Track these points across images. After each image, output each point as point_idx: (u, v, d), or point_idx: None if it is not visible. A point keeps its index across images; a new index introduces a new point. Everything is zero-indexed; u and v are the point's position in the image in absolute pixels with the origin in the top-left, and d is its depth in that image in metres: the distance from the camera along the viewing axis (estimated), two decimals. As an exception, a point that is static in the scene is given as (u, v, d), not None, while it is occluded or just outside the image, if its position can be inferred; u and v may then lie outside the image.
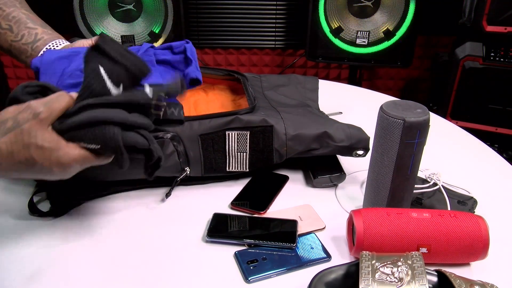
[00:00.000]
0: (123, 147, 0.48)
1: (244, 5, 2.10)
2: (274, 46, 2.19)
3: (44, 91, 0.51)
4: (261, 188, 0.72)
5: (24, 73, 2.23)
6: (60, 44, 0.68)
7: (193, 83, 0.66)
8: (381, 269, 0.48)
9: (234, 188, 0.72)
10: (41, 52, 0.66)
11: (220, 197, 0.70)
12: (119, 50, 0.50)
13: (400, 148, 0.56)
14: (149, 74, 0.52)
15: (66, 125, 0.47)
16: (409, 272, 0.47)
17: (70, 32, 1.74)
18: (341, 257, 0.59)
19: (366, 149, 0.73)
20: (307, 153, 0.72)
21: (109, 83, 0.49)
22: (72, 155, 0.47)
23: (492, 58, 1.64)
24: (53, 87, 0.51)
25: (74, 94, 0.50)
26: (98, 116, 0.47)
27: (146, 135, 0.50)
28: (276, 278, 0.55)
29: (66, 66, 0.62)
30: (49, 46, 0.67)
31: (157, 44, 1.80)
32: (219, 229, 0.62)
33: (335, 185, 0.74)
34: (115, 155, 0.49)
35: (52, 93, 0.49)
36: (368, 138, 0.72)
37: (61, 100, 0.48)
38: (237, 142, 0.70)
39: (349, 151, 0.72)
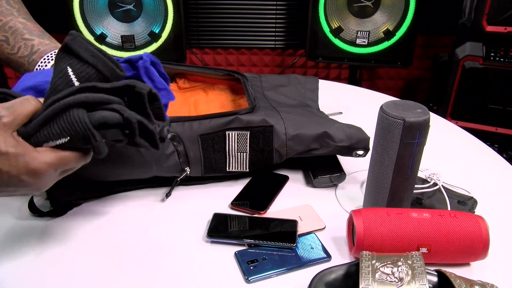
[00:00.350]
0: (93, 129, 0.43)
1: (244, 5, 2.10)
2: (274, 46, 2.19)
3: (5, 99, 0.46)
4: (261, 188, 0.72)
5: (24, 73, 2.23)
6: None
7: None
8: (381, 269, 0.48)
9: (234, 188, 0.72)
10: (36, 66, 0.63)
11: (220, 197, 0.70)
12: (90, 50, 0.46)
13: (400, 148, 0.56)
14: (122, 77, 0.48)
15: (31, 127, 0.44)
16: (409, 272, 0.47)
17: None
18: (341, 257, 0.59)
19: (366, 149, 0.73)
20: (307, 153, 0.72)
21: (77, 84, 0.45)
22: (42, 158, 0.43)
23: (492, 58, 1.64)
24: (16, 94, 0.47)
25: (42, 99, 0.46)
26: (58, 106, 0.43)
27: (116, 107, 0.45)
28: (276, 278, 0.55)
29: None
30: (44, 59, 0.64)
31: (157, 45, 1.81)
32: (219, 229, 0.62)
33: (335, 185, 0.74)
34: (89, 142, 0.44)
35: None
36: (368, 138, 0.72)
37: (26, 104, 0.44)
38: (237, 142, 0.70)
39: (349, 151, 0.72)
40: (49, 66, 0.62)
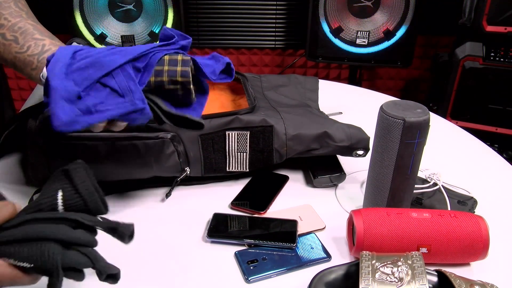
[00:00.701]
0: (60, 270, 0.42)
1: (244, 5, 2.10)
2: (274, 46, 2.19)
3: None
4: (261, 188, 0.72)
5: (24, 73, 2.23)
6: None
7: (227, 72, 0.67)
8: (381, 269, 0.48)
9: (234, 188, 0.72)
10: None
11: (220, 197, 0.70)
12: (87, 185, 0.45)
13: (400, 148, 0.56)
14: (103, 214, 0.48)
15: (1, 237, 0.42)
16: (409, 272, 0.47)
17: (70, 32, 1.74)
18: (341, 257, 0.59)
19: (366, 149, 0.73)
20: (307, 153, 0.72)
21: (60, 208, 0.45)
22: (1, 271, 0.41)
23: (492, 58, 1.64)
24: None
25: (18, 206, 0.44)
26: (36, 232, 0.42)
27: (90, 254, 0.45)
28: (276, 278, 0.55)
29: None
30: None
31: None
32: (219, 229, 0.62)
33: (335, 185, 0.74)
34: (49, 276, 0.43)
35: None
36: (368, 138, 0.72)
37: (3, 211, 0.42)
38: (237, 142, 0.70)
39: (349, 151, 0.72)
40: None
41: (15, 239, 0.42)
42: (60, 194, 0.45)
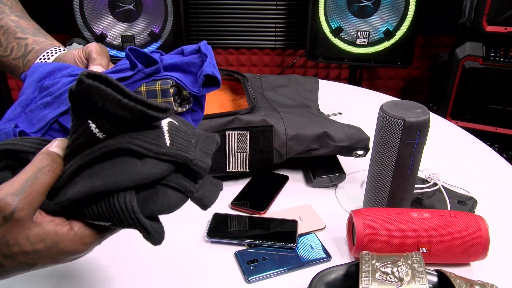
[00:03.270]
0: (144, 221, 0.34)
1: (244, 5, 2.10)
2: (274, 46, 2.19)
3: (14, 160, 0.35)
4: (261, 188, 0.72)
5: (24, 73, 2.23)
6: (52, 55, 0.58)
7: (211, 83, 0.52)
8: (381, 269, 0.48)
9: (234, 188, 0.72)
10: None
11: (220, 197, 0.70)
12: (115, 99, 0.31)
13: (400, 148, 0.56)
14: (168, 114, 0.34)
15: (59, 204, 0.34)
16: (409, 272, 0.47)
17: (70, 32, 1.74)
18: (341, 257, 0.59)
19: (366, 149, 0.73)
20: (307, 153, 0.72)
21: (100, 136, 0.34)
22: (80, 240, 0.34)
23: (492, 58, 1.64)
24: (26, 144, 0.36)
25: (58, 149, 0.35)
26: (98, 186, 0.33)
27: (180, 185, 0.35)
28: (276, 278, 0.55)
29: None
30: (40, 59, 0.57)
31: (157, 45, 1.80)
32: (219, 229, 0.62)
33: (335, 185, 0.74)
34: (139, 230, 0.35)
35: (26, 159, 0.34)
36: (368, 138, 0.72)
37: (41, 178, 0.33)
38: (237, 142, 0.70)
39: (349, 151, 0.72)
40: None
41: (79, 199, 0.33)
42: (93, 125, 0.33)
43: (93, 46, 0.57)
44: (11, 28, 0.61)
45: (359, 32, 1.76)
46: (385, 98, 1.12)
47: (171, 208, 0.35)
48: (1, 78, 1.60)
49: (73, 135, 0.34)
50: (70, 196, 0.33)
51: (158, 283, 0.54)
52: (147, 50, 0.59)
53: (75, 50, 0.58)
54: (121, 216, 0.33)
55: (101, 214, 0.33)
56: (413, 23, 1.70)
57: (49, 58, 0.59)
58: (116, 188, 0.33)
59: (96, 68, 0.53)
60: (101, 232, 0.35)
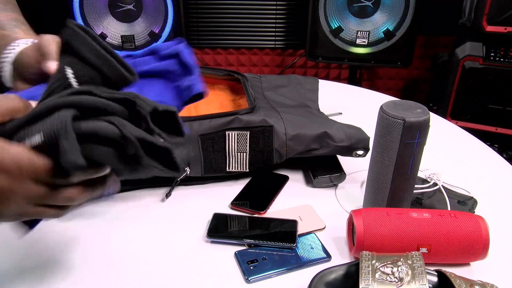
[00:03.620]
0: (70, 126, 0.34)
1: (244, 5, 2.10)
2: (274, 46, 2.19)
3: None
4: (261, 188, 0.72)
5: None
6: (14, 48, 0.54)
7: (196, 98, 0.51)
8: (381, 269, 0.48)
9: (234, 188, 0.72)
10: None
11: (220, 197, 0.70)
12: (95, 49, 0.37)
13: (400, 148, 0.56)
14: (133, 83, 0.40)
15: (9, 127, 0.36)
16: (409, 272, 0.47)
17: (70, 32, 1.73)
18: (341, 257, 0.59)
19: (366, 149, 0.73)
20: (307, 153, 0.72)
21: (75, 86, 0.38)
22: (12, 151, 0.35)
23: (492, 58, 1.64)
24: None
25: (33, 103, 0.38)
26: (45, 105, 0.35)
27: (115, 120, 0.36)
28: (276, 278, 0.55)
29: None
30: (2, 59, 0.54)
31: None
32: (219, 229, 0.62)
33: (335, 185, 0.74)
34: (60, 144, 0.34)
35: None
36: (368, 138, 0.72)
37: (3, 101, 0.36)
38: (237, 142, 0.70)
39: (349, 151, 0.72)
40: (9, 57, 0.53)
41: (25, 122, 0.35)
42: (69, 71, 0.37)
43: (45, 40, 0.52)
44: None
45: (359, 32, 1.76)
46: (385, 98, 1.12)
47: (101, 130, 0.35)
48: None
49: (51, 80, 0.38)
50: (20, 119, 0.36)
51: (158, 283, 0.54)
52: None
53: (30, 51, 0.53)
54: (52, 123, 0.34)
55: (38, 127, 0.35)
56: (413, 23, 1.70)
57: (14, 49, 0.54)
58: (54, 107, 0.35)
59: (51, 63, 0.49)
60: (29, 157, 0.35)
